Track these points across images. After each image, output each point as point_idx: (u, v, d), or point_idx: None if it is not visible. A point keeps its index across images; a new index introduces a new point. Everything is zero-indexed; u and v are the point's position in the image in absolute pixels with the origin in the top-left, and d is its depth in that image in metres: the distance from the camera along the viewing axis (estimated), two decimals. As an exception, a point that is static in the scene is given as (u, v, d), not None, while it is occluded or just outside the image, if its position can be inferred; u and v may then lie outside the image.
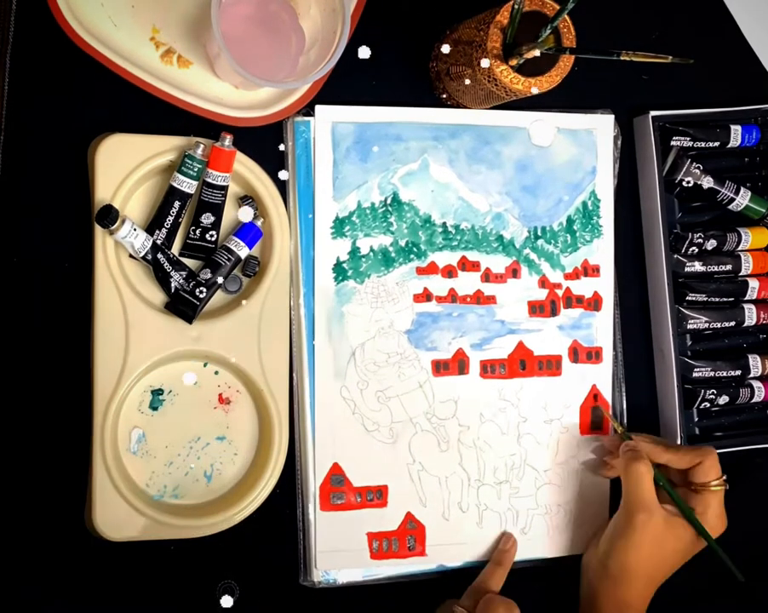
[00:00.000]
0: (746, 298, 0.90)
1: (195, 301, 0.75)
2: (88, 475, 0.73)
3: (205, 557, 0.77)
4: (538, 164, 0.85)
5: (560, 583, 0.87)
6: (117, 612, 0.76)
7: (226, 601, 0.77)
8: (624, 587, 0.77)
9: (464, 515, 0.83)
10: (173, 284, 0.74)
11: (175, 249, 0.76)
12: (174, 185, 0.74)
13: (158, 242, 0.74)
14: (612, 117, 0.87)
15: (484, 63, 0.70)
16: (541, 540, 0.86)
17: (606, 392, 0.87)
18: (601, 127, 0.87)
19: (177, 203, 0.74)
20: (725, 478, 0.80)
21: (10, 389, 0.74)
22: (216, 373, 0.78)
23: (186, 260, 0.77)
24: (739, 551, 0.91)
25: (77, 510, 0.75)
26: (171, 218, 0.74)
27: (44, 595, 0.74)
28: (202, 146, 0.74)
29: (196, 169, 0.74)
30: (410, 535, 0.82)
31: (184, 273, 0.75)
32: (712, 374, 0.88)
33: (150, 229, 0.74)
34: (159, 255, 0.73)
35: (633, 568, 0.77)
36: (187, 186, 0.74)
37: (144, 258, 0.73)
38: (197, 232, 0.76)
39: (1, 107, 0.74)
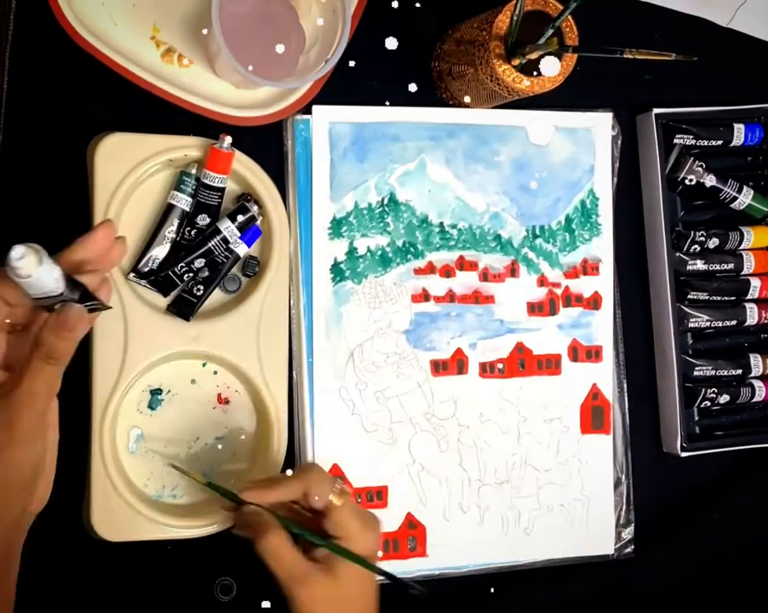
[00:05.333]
0: (747, 297, 0.90)
1: (192, 299, 0.75)
2: (86, 475, 0.73)
3: (204, 557, 0.77)
4: (536, 163, 0.85)
5: (563, 584, 0.87)
6: (116, 612, 0.76)
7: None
8: None
9: (465, 515, 0.83)
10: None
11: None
12: (173, 202, 0.74)
13: (162, 257, 0.75)
14: (610, 114, 0.87)
15: (484, 72, 0.71)
16: (545, 541, 0.85)
17: (607, 391, 0.87)
18: (599, 125, 0.86)
19: (176, 221, 0.75)
20: (339, 486, 0.69)
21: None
22: (215, 373, 0.78)
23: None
24: (739, 551, 0.92)
25: (75, 510, 0.75)
26: (172, 235, 0.75)
27: (44, 595, 0.74)
28: (197, 166, 0.74)
29: (193, 187, 0.74)
30: (411, 536, 0.82)
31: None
32: (713, 373, 0.88)
33: (151, 249, 0.75)
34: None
35: None
36: (185, 203, 0.74)
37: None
38: (192, 232, 0.75)
39: (0, 106, 0.74)
